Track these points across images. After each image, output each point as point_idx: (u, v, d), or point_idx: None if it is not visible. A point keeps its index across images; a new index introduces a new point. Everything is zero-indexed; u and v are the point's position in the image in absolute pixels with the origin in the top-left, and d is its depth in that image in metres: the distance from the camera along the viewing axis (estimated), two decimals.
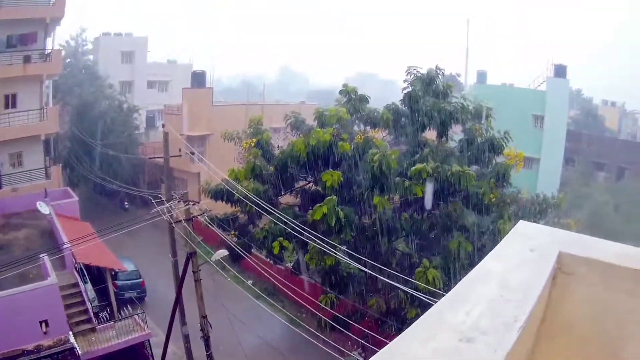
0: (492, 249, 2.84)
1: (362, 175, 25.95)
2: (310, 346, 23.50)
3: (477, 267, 2.54)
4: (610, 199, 43.54)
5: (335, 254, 23.09)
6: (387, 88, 69.03)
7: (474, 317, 2.02)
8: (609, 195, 45.29)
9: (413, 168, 23.75)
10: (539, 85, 54.19)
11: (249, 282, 34.90)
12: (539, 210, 26.46)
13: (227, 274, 24.82)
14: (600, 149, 58.28)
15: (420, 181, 23.84)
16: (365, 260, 22.90)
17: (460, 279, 3.02)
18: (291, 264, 32.09)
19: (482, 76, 61.39)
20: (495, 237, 24.04)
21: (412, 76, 28.43)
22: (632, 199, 44.89)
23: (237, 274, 31.08)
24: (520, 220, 3.21)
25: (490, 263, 2.59)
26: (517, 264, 2.54)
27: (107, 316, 28.95)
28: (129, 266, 35.17)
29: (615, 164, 57.56)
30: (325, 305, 25.33)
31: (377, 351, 1.88)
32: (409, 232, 26.51)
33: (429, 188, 24.28)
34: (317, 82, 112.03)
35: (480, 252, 24.05)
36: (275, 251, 26.13)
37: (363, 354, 27.13)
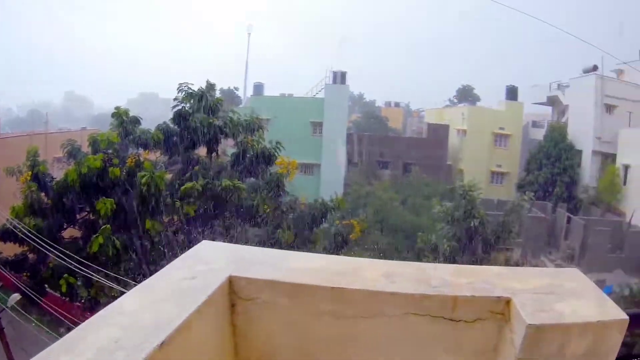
0: None
1: (134, 200, 25.21)
2: None
3: (110, 305, 2.15)
4: (396, 195, 45.36)
5: (110, 284, 22.28)
6: (169, 107, 69.03)
7: None
8: (395, 191, 47.35)
9: (182, 187, 23.67)
10: (317, 93, 56.22)
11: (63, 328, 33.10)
12: (318, 215, 27.03)
13: (30, 319, 23.69)
14: (383, 149, 60.64)
15: (192, 200, 23.88)
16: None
17: None
18: (83, 300, 30.89)
19: (258, 88, 62.01)
20: (278, 247, 24.17)
21: (184, 93, 28.32)
22: (418, 193, 47.52)
23: (41, 317, 29.61)
24: (203, 241, 2.96)
25: (127, 299, 2.23)
26: (164, 297, 2.20)
27: None
28: None
29: (400, 161, 60.32)
30: None
31: None
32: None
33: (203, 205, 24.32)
34: (101, 105, 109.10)
35: None
36: (63, 289, 25.09)
37: None
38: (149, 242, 25.74)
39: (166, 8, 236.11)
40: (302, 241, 26.63)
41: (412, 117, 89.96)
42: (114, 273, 22.48)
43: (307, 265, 2.58)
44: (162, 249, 24.63)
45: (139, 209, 24.43)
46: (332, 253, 27.23)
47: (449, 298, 2.31)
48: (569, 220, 46.87)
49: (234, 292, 2.40)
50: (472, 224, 28.76)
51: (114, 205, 24.44)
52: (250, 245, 24.91)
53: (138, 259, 25.56)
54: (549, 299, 2.31)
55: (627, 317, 2.23)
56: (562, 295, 2.37)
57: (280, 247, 24.33)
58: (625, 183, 48.78)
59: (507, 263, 30.04)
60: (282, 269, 2.49)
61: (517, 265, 29.78)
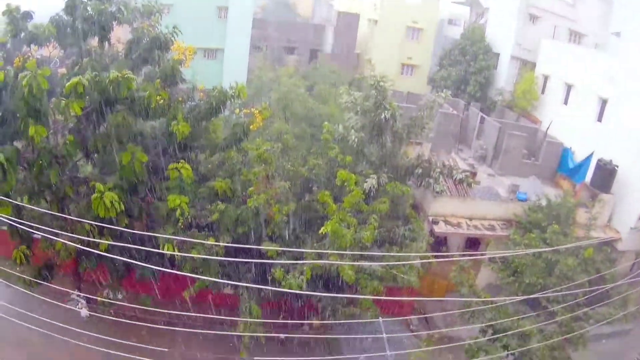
0: None
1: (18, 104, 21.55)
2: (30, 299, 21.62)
3: None
4: (301, 82, 44.32)
5: None
6: None
7: None
8: (301, 78, 46.50)
9: (67, 84, 20.68)
10: None
11: None
12: (216, 104, 24.81)
13: None
14: (290, 34, 59.53)
15: (79, 96, 20.79)
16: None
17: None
18: None
19: None
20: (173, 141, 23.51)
21: None
22: (325, 80, 46.84)
23: None
24: None
25: None
26: None
27: None
28: None
29: (307, 47, 59.96)
30: (20, 261, 23.02)
31: None
32: (85, 154, 24.41)
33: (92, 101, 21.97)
34: None
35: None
36: None
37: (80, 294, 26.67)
38: (32, 150, 22.60)
39: None
40: (198, 133, 25.47)
41: (321, 5, 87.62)
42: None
43: None
44: (49, 155, 22.04)
45: (23, 114, 21.16)
46: (231, 145, 26.22)
47: None
48: (482, 120, 46.85)
49: None
50: (383, 116, 27.76)
51: None
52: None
53: (28, 169, 23.22)
54: None
55: None
56: None
57: (175, 141, 23.53)
58: (543, 92, 48.89)
59: (417, 158, 30.01)
60: None
61: (428, 160, 29.98)
